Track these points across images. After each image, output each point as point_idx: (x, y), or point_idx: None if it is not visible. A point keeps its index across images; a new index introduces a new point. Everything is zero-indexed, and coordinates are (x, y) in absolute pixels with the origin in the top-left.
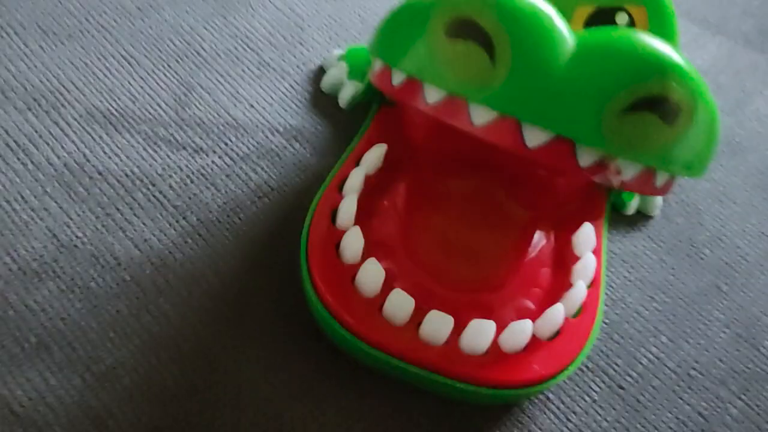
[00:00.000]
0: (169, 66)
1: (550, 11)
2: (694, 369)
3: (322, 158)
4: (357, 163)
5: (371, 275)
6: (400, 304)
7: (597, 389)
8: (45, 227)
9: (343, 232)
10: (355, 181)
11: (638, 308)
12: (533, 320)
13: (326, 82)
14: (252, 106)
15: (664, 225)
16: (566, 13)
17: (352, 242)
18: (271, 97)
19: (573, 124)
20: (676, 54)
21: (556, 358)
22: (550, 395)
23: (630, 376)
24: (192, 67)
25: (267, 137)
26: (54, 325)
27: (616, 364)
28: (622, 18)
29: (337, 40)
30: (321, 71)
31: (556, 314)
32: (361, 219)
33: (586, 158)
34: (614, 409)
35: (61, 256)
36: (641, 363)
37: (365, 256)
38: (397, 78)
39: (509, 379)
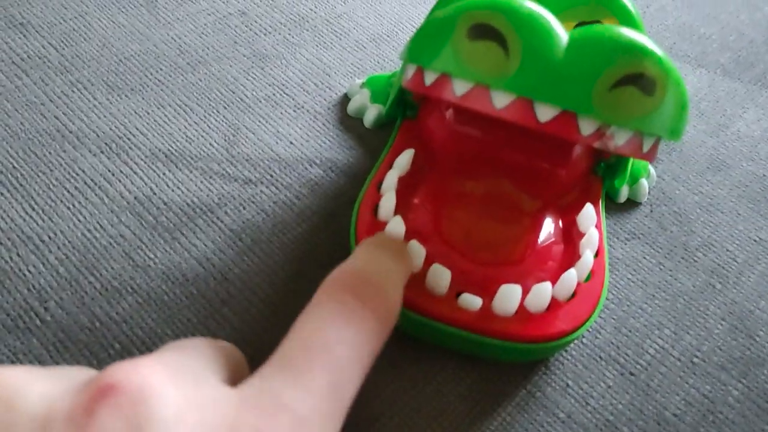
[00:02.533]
0: (218, 111)
1: (548, 15)
2: (697, 357)
3: (355, 185)
4: (390, 167)
5: (415, 252)
6: (439, 276)
7: (611, 376)
8: (122, 251)
9: (385, 223)
10: (391, 180)
11: (642, 305)
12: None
13: (352, 107)
14: (291, 143)
15: (659, 233)
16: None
17: (396, 228)
18: (308, 134)
19: (573, 99)
20: (648, 40)
21: (574, 315)
22: (569, 382)
23: (639, 364)
24: (237, 112)
25: (306, 169)
26: (134, 333)
27: (627, 354)
28: None
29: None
30: (345, 99)
31: (571, 278)
32: (398, 212)
33: (586, 127)
34: (627, 393)
35: (137, 275)
36: (648, 352)
37: (407, 239)
38: (429, 78)
39: (538, 334)
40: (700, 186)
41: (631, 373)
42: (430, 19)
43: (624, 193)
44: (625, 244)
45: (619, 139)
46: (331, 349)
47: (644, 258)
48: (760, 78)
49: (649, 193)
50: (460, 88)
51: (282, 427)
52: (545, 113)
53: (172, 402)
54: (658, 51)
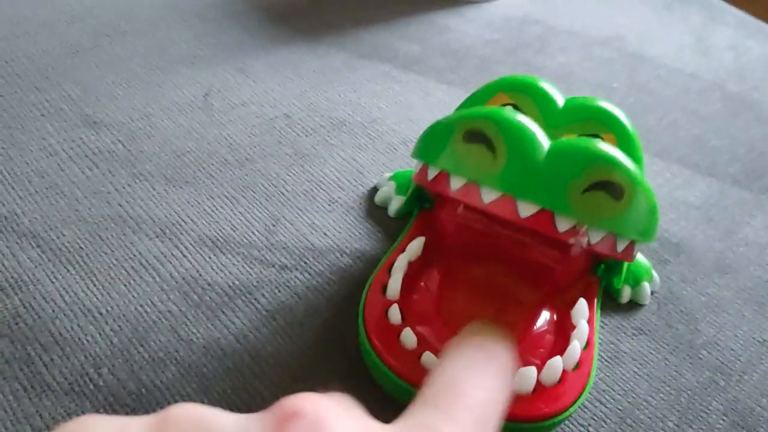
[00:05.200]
0: (260, 203)
1: (532, 124)
2: None
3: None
4: (402, 252)
5: (408, 338)
6: (431, 360)
7: None
8: (169, 325)
9: (391, 301)
10: (400, 263)
11: (647, 398)
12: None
13: (379, 197)
14: (325, 233)
15: (666, 330)
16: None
17: (395, 312)
18: (340, 226)
19: (550, 198)
20: (618, 153)
21: (557, 400)
22: None
23: None
24: (278, 204)
25: (338, 258)
26: (175, 400)
27: None
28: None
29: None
30: (374, 189)
31: (557, 365)
32: (404, 293)
33: (562, 225)
34: None
35: (180, 348)
36: None
37: (406, 322)
38: (432, 173)
39: (519, 414)
40: (707, 287)
41: None
42: (434, 124)
43: (626, 294)
44: (633, 339)
45: (593, 238)
46: (473, 391)
47: (650, 353)
48: None
49: (653, 294)
50: (455, 183)
51: None
52: (526, 210)
53: (345, 428)
54: (627, 163)
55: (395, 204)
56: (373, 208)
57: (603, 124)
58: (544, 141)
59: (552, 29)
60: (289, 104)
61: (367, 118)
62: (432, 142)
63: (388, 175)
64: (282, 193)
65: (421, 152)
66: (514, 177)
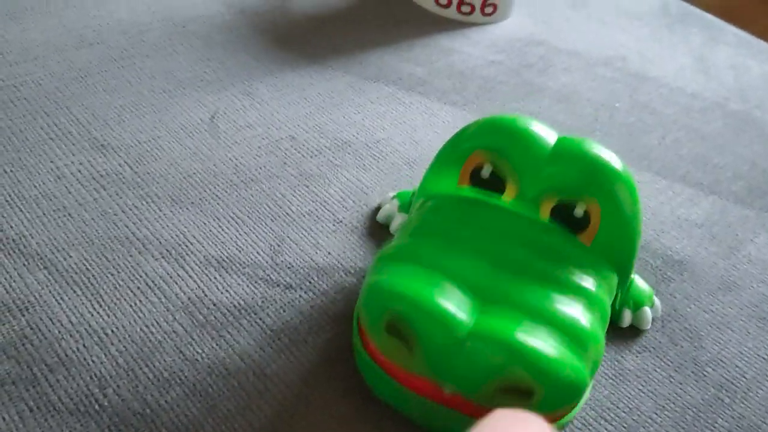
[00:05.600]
0: (265, 224)
1: (448, 307)
2: None
3: None
4: None
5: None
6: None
7: None
8: (174, 345)
9: None
10: None
11: (652, 415)
12: None
13: (381, 215)
14: (329, 253)
15: (670, 347)
16: (535, 204)
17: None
18: (344, 246)
19: (465, 387)
20: (538, 344)
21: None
22: None
23: None
24: (283, 225)
25: (342, 277)
26: (180, 421)
27: None
28: (580, 208)
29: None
30: (378, 209)
31: None
32: None
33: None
34: None
35: (185, 367)
36: None
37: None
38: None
39: None
40: (711, 304)
41: None
42: (365, 300)
43: (627, 319)
44: (637, 356)
45: None
46: None
47: (655, 370)
48: None
49: (653, 322)
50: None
51: None
52: (449, 388)
53: None
54: (537, 360)
55: (397, 221)
56: (377, 228)
57: (586, 192)
58: (463, 318)
59: (555, 49)
60: (294, 126)
61: (371, 139)
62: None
63: (391, 194)
64: (287, 213)
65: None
66: (429, 363)
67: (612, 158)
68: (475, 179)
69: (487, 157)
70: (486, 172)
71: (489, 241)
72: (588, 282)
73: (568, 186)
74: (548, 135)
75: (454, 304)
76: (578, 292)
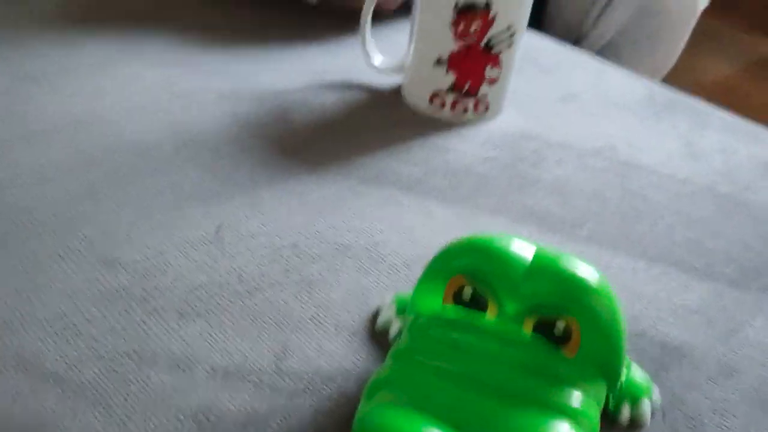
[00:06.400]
0: (269, 331)
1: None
2: None
3: None
4: None
5: None
6: None
7: None
8: None
9: None
10: None
11: None
12: None
13: (380, 321)
14: (332, 356)
15: None
16: (517, 321)
17: None
18: (347, 350)
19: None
20: None
21: None
22: None
23: None
24: (286, 332)
25: (345, 380)
26: None
27: None
28: (560, 325)
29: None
30: (378, 311)
31: None
32: None
33: None
34: None
35: None
36: None
37: None
38: None
39: None
40: (712, 391)
41: None
42: None
43: (625, 414)
44: None
45: None
46: None
47: None
48: (767, 287)
49: (653, 414)
50: None
51: None
52: None
53: None
54: None
55: (395, 327)
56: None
57: (563, 310)
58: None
59: (546, 143)
60: (296, 233)
61: (370, 242)
62: None
63: (389, 298)
64: (290, 320)
65: None
66: None
67: (587, 273)
68: (458, 299)
69: (466, 280)
70: (467, 294)
71: (474, 365)
72: (574, 398)
73: (545, 304)
74: (525, 251)
75: None
76: (564, 412)
